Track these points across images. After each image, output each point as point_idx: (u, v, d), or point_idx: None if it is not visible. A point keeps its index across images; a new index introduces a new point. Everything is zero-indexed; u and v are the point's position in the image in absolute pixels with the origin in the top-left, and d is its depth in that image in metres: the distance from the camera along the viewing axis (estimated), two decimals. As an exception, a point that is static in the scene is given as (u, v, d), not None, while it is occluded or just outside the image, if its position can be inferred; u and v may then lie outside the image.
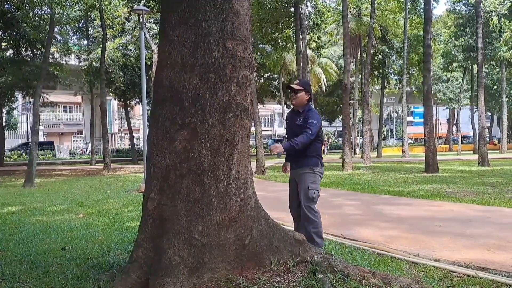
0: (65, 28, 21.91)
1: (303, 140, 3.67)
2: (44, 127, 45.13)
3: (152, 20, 23.15)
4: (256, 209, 3.12)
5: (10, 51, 18.53)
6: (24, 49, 18.23)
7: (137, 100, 29.68)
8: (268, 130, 56.60)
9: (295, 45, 19.71)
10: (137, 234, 3.10)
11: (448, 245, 4.35)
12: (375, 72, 32.66)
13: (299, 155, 3.82)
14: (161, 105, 2.97)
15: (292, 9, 19.66)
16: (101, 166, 21.37)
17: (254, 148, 20.08)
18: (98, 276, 3.27)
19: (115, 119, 49.43)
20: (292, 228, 4.27)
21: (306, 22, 21.26)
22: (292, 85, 3.91)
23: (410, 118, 56.47)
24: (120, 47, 24.44)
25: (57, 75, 21.44)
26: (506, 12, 28.55)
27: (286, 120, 4.16)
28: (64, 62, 22.83)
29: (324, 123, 47.10)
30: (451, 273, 3.40)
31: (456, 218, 5.92)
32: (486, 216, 6.00)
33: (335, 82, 34.85)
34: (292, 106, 4.09)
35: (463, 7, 30.69)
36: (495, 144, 39.02)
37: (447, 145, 43.64)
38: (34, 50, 18.81)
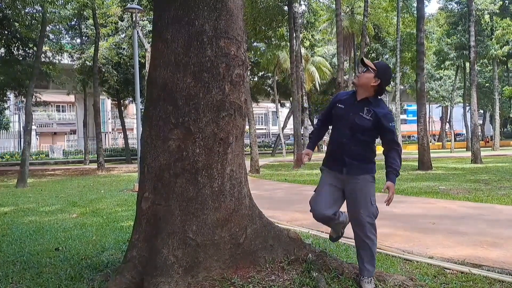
0: (58, 27, 21.75)
1: (400, 159, 2.90)
2: (37, 126, 44.76)
3: (145, 18, 23.03)
4: (251, 208, 3.12)
5: (2, 50, 18.33)
6: (16, 48, 18.04)
7: (130, 99, 29.55)
8: (262, 129, 56.66)
9: (289, 44, 19.72)
10: (131, 234, 3.08)
11: (441, 242, 4.38)
12: (369, 70, 32.71)
13: (358, 158, 2.88)
14: (155, 104, 2.95)
15: (286, 7, 19.67)
16: (94, 165, 21.25)
17: (248, 146, 20.09)
18: (92, 276, 3.26)
19: (109, 119, 49.16)
20: (287, 227, 4.25)
21: (300, 20, 21.30)
22: (365, 60, 2.96)
23: (403, 116, 56.80)
24: (114, 46, 24.29)
25: (49, 74, 21.25)
26: (498, 10, 28.82)
27: (336, 104, 2.97)
28: (57, 61, 22.64)
29: (319, 121, 47.19)
30: (445, 270, 3.42)
31: (449, 215, 5.96)
32: (479, 213, 6.05)
33: (329, 80, 34.92)
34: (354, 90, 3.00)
35: (455, 5, 30.90)
36: (488, 142, 39.38)
37: (440, 143, 43.99)
38: (26, 49, 18.62)
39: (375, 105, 2.85)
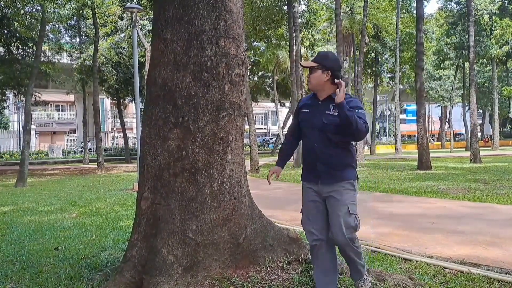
0: (57, 26, 21.71)
1: (361, 126, 2.47)
2: (36, 126, 44.70)
3: (145, 18, 23.02)
4: (250, 207, 3.12)
5: (1, 49, 18.31)
6: (15, 47, 18.02)
7: (130, 98, 29.50)
8: (262, 129, 56.65)
9: (288, 43, 19.72)
10: (131, 234, 3.08)
11: (440, 242, 4.39)
12: (368, 70, 32.79)
13: (332, 163, 2.59)
14: (154, 103, 2.95)
15: (285, 7, 19.68)
16: (94, 165, 21.24)
17: (248, 146, 20.08)
18: (91, 276, 3.26)
19: (108, 118, 49.10)
20: (287, 226, 4.24)
21: (300, 20, 21.29)
22: (303, 62, 2.84)
23: (403, 116, 56.80)
24: (113, 46, 24.27)
25: (49, 74, 21.26)
26: (497, 11, 28.86)
27: (301, 109, 2.77)
28: (56, 61, 22.64)
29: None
30: (444, 269, 3.43)
31: (449, 214, 5.97)
32: (478, 213, 6.06)
33: (329, 80, 34.90)
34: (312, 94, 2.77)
35: (455, 5, 30.93)
36: (487, 141, 39.40)
37: (440, 143, 43.99)
38: (26, 48, 18.60)
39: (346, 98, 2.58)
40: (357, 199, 2.64)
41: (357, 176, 2.67)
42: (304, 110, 2.75)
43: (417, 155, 14.91)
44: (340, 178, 2.58)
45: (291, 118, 26.37)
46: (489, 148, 32.09)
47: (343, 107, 2.45)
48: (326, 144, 2.60)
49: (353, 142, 2.71)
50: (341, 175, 2.59)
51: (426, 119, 17.23)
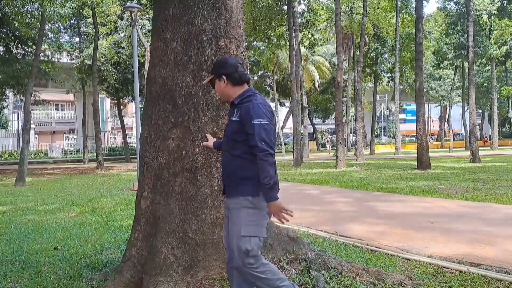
0: (57, 26, 21.69)
1: (266, 172, 2.13)
2: (36, 125, 44.67)
3: (145, 17, 23.00)
4: (250, 207, 3.12)
5: (1, 48, 18.30)
6: (15, 46, 18.02)
7: (130, 98, 29.51)
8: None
9: (288, 43, 19.73)
10: (131, 233, 3.08)
11: (440, 241, 4.40)
12: (368, 70, 32.80)
13: (232, 175, 2.31)
14: (154, 103, 2.96)
15: (285, 7, 19.68)
16: (93, 164, 21.23)
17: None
18: (91, 275, 3.26)
19: (108, 117, 49.08)
20: (286, 226, 4.24)
21: (299, 19, 21.30)
22: (204, 82, 2.66)
23: (402, 116, 56.81)
24: (113, 45, 24.26)
25: (48, 73, 21.24)
26: (496, 11, 28.90)
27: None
28: (56, 60, 22.61)
29: (318, 120, 47.18)
30: (443, 269, 3.43)
31: (448, 214, 5.97)
32: (477, 212, 6.06)
33: (328, 80, 34.94)
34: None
35: (454, 5, 30.96)
36: (486, 141, 39.44)
37: (439, 142, 44.02)
38: (25, 48, 18.61)
39: (241, 102, 2.30)
40: (261, 219, 2.26)
41: (258, 193, 2.21)
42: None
43: (416, 155, 14.91)
44: (236, 193, 2.26)
45: (291, 117, 26.32)
46: (488, 148, 32.11)
47: (269, 197, 2.16)
48: (227, 154, 2.34)
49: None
50: (237, 189, 2.26)
51: (426, 119, 17.22)
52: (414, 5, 19.48)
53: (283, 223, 2.18)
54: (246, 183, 2.23)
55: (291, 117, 26.56)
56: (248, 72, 2.85)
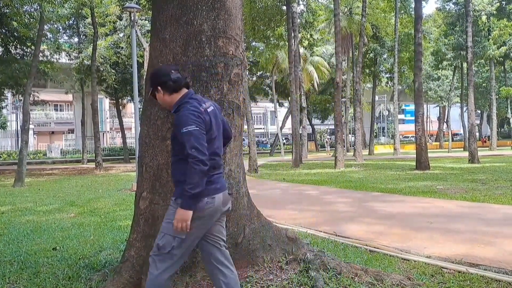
0: (56, 26, 21.68)
1: (191, 179, 2.15)
2: (35, 126, 44.61)
3: (144, 18, 23.00)
4: (249, 207, 3.12)
5: (0, 48, 18.30)
6: (13, 46, 18.00)
7: (129, 98, 29.51)
8: (260, 128, 56.64)
9: (287, 43, 19.74)
10: (129, 234, 3.08)
11: (439, 242, 4.40)
12: (367, 70, 32.86)
13: (172, 175, 2.47)
14: (153, 103, 2.95)
15: (284, 7, 19.68)
16: (92, 165, 21.21)
17: (246, 146, 20.09)
18: (90, 276, 3.25)
19: (107, 118, 49.04)
20: (285, 226, 4.25)
21: (298, 20, 21.32)
22: (147, 96, 2.73)
23: (401, 116, 56.90)
24: (112, 45, 24.25)
25: (47, 73, 21.22)
26: (495, 11, 28.95)
27: None
28: (55, 60, 22.58)
29: (317, 121, 47.18)
30: (442, 269, 3.44)
31: (447, 214, 5.98)
32: (476, 213, 6.07)
33: (327, 80, 34.98)
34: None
35: (453, 6, 31.02)
36: (485, 142, 39.51)
37: (438, 143, 44.09)
38: (24, 48, 18.58)
39: (176, 110, 2.35)
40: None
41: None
42: None
43: (415, 155, 14.93)
44: (173, 193, 2.41)
45: (290, 118, 26.39)
46: (487, 148, 32.18)
47: (184, 204, 2.20)
48: (171, 161, 2.46)
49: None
50: (175, 190, 2.39)
51: (425, 119, 17.25)
52: (413, 5, 19.52)
53: (176, 231, 2.23)
54: (179, 186, 2.30)
55: (290, 117, 26.58)
56: (247, 73, 2.85)
